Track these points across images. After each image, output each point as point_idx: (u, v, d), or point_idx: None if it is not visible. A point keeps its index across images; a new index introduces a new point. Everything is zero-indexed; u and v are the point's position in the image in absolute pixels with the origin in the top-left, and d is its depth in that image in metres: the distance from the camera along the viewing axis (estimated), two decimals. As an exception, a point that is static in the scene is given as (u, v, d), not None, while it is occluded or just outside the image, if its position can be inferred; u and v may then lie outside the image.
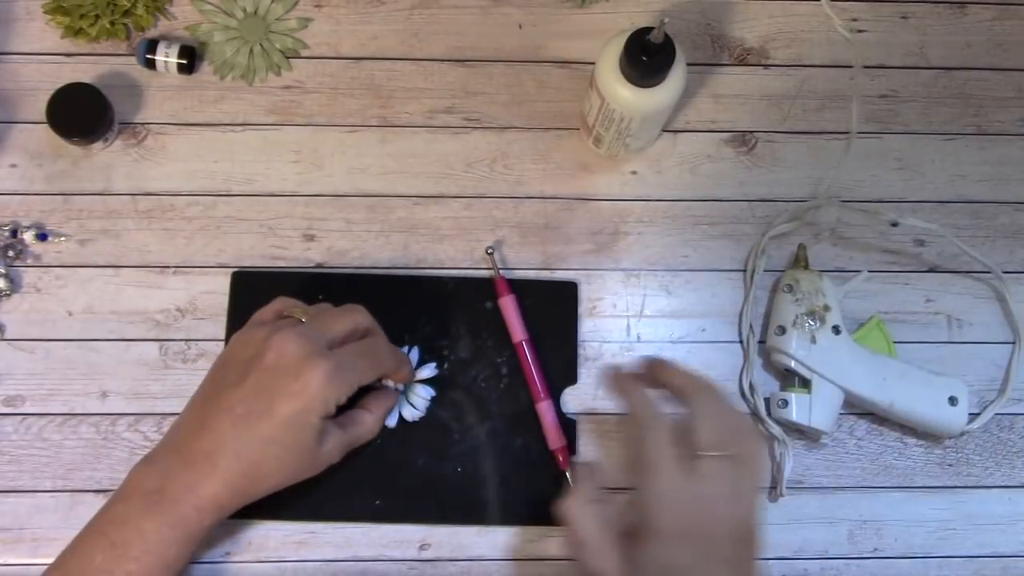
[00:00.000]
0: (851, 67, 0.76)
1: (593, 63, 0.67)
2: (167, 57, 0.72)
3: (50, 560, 0.58)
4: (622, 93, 0.65)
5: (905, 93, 0.77)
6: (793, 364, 0.68)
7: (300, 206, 0.72)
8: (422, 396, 0.67)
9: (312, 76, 0.74)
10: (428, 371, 0.68)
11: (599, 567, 0.53)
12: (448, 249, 0.72)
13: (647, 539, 0.53)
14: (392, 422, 0.67)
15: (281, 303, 0.64)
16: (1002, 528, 0.70)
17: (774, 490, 0.69)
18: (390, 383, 0.65)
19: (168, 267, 0.70)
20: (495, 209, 0.73)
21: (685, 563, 0.52)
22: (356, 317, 0.63)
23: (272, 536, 0.67)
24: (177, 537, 0.57)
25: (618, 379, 0.60)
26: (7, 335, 0.69)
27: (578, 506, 0.55)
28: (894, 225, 0.72)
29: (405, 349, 0.68)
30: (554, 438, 0.67)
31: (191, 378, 0.68)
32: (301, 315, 0.62)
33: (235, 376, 0.59)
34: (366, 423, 0.64)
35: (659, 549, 0.52)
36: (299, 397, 0.58)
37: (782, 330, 0.69)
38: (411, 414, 0.67)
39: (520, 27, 0.76)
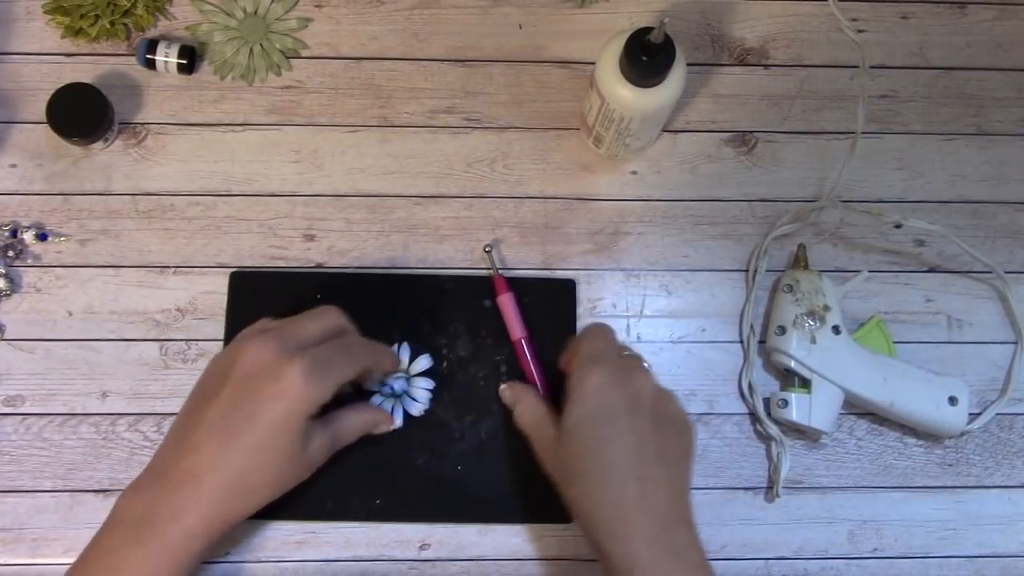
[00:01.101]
0: (851, 67, 0.76)
1: (593, 63, 0.67)
2: (167, 57, 0.72)
3: (50, 560, 0.58)
4: (622, 93, 0.65)
5: (905, 93, 0.77)
6: (793, 364, 0.68)
7: (300, 206, 0.72)
8: (423, 388, 0.67)
9: (312, 76, 0.74)
10: (424, 362, 0.68)
11: (543, 435, 0.63)
12: (448, 249, 0.72)
13: (574, 407, 0.60)
14: (399, 421, 0.67)
15: (263, 322, 0.63)
16: (1002, 528, 0.70)
17: (770, 490, 0.69)
18: (375, 379, 0.66)
19: (168, 267, 0.70)
20: (495, 209, 0.73)
21: (614, 404, 0.59)
22: (328, 317, 0.62)
23: (272, 536, 0.67)
24: (166, 565, 0.56)
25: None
26: (7, 335, 0.69)
27: (527, 404, 0.65)
28: (898, 227, 0.72)
29: (395, 346, 0.68)
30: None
31: (191, 378, 0.68)
32: (276, 326, 0.61)
33: (212, 390, 0.59)
34: (351, 420, 0.63)
35: (587, 404, 0.60)
36: (281, 399, 0.57)
37: (782, 330, 0.69)
38: (416, 408, 0.67)
39: (520, 27, 0.76)
